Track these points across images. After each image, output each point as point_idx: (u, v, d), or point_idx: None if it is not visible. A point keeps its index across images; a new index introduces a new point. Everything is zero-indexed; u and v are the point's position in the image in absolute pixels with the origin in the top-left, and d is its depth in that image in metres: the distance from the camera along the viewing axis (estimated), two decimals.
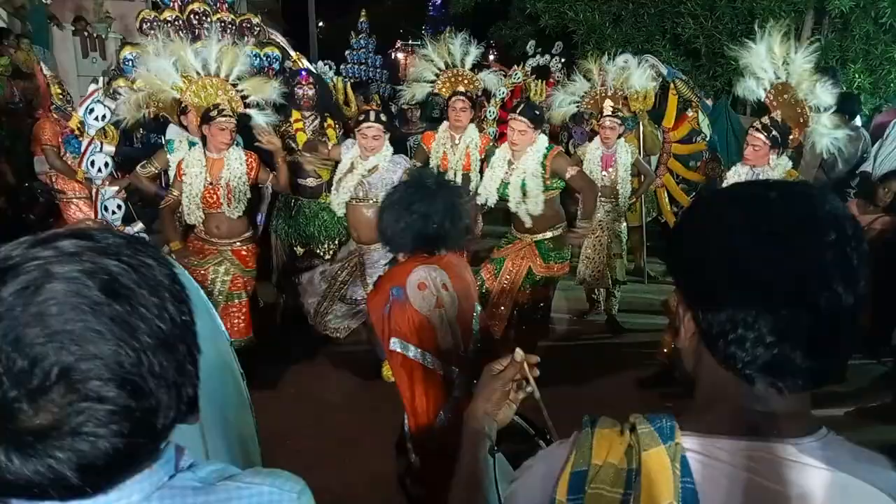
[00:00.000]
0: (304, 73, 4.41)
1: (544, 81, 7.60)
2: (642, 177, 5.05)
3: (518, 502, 0.86)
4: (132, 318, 0.60)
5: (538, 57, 8.53)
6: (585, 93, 5.02)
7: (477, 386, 1.20)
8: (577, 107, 5.11)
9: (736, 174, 3.63)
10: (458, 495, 1.08)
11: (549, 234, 3.74)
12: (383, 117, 3.54)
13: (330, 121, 4.45)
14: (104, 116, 4.69)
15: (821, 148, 3.51)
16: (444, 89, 4.57)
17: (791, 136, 3.49)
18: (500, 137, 9.79)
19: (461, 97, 4.19)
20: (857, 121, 5.14)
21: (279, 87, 3.90)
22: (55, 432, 0.57)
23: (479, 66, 9.15)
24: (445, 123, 4.31)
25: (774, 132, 3.41)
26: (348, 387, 3.74)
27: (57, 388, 0.57)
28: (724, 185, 3.35)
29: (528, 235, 3.73)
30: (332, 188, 3.77)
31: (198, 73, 3.70)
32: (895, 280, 2.98)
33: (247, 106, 3.78)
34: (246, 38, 4.92)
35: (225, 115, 3.54)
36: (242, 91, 3.77)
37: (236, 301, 3.70)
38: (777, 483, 0.70)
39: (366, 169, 3.60)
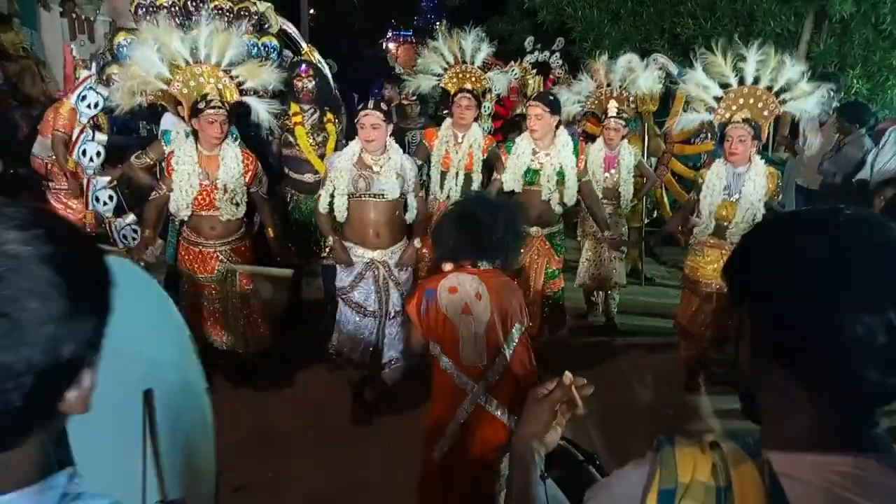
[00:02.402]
0: (304, 65, 4.31)
1: (543, 78, 7.54)
2: (644, 178, 5.02)
3: None
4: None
5: (537, 53, 8.47)
6: (590, 93, 4.98)
7: (523, 410, 1.21)
8: (582, 106, 5.07)
9: (716, 175, 3.64)
10: None
11: (556, 228, 3.91)
12: (384, 106, 3.32)
13: (329, 115, 4.35)
14: (97, 104, 4.55)
15: (807, 111, 3.66)
16: (450, 85, 4.49)
17: (760, 130, 3.64)
18: (496, 133, 9.76)
19: (467, 94, 4.10)
20: (862, 129, 5.13)
21: (277, 72, 3.69)
22: None
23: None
24: (448, 120, 4.22)
25: (753, 123, 3.54)
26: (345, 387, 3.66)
27: None
28: (705, 185, 3.61)
29: (538, 228, 3.81)
30: (337, 192, 3.23)
31: (186, 62, 3.44)
32: None
33: (243, 93, 3.55)
34: (244, 25, 4.79)
35: (214, 107, 3.29)
36: (237, 78, 3.52)
37: (251, 300, 3.57)
38: (870, 499, 0.71)
39: (398, 165, 3.29)
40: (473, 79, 4.49)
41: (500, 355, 2.19)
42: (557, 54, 8.42)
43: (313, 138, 4.22)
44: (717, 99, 3.69)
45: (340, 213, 3.28)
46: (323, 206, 3.32)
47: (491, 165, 4.34)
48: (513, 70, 8.53)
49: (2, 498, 0.60)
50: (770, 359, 0.77)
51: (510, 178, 3.78)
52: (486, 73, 4.68)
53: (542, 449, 1.14)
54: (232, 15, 5.13)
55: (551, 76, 8.21)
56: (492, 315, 2.17)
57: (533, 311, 3.78)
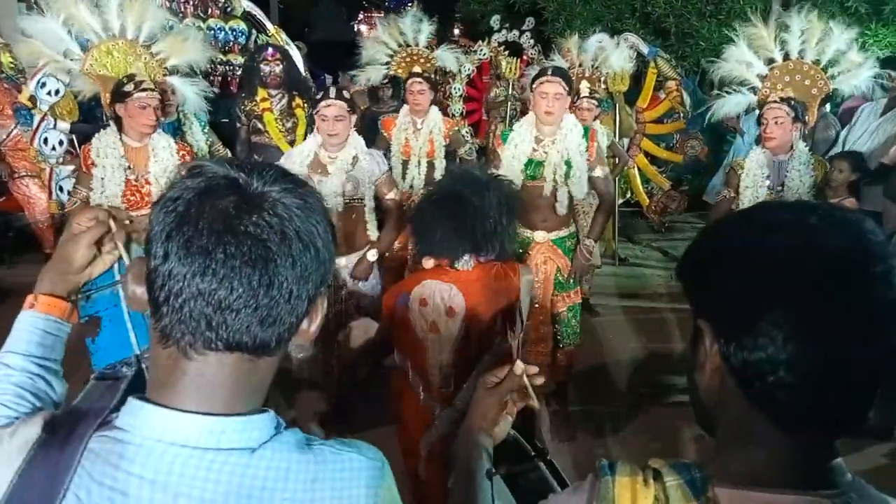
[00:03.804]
0: (270, 48, 4.22)
1: (517, 58, 7.50)
2: (616, 159, 5.03)
3: None
4: None
5: (504, 32, 8.41)
6: None
7: (472, 401, 1.15)
8: None
9: (757, 164, 3.19)
10: None
11: (567, 232, 3.26)
12: (346, 94, 2.94)
13: (298, 100, 4.27)
14: (57, 91, 4.42)
15: (859, 84, 3.30)
16: (399, 71, 4.40)
17: (807, 112, 3.27)
18: (468, 116, 9.65)
19: (418, 79, 3.92)
20: (826, 107, 5.19)
21: (204, 48, 3.33)
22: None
23: (445, 42, 9.02)
24: (406, 108, 4.05)
25: (794, 103, 3.12)
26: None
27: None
28: (745, 175, 3.19)
29: (543, 233, 3.19)
30: None
31: (98, 36, 3.02)
32: None
33: (168, 73, 3.19)
34: (210, 9, 4.68)
35: (145, 89, 2.83)
36: (159, 55, 3.12)
37: None
38: None
39: (347, 163, 2.92)
40: (422, 61, 4.40)
41: (470, 380, 1.90)
42: (528, 34, 8.36)
43: (282, 124, 4.15)
44: (762, 77, 3.33)
45: None
46: None
47: (453, 151, 4.19)
48: (481, 50, 8.47)
49: (258, 416, 0.71)
50: (733, 384, 0.69)
51: (506, 173, 3.12)
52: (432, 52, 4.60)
53: (489, 443, 1.09)
54: None
55: (524, 56, 8.15)
56: (462, 332, 1.89)
57: (542, 333, 3.24)
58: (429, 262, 1.95)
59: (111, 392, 0.79)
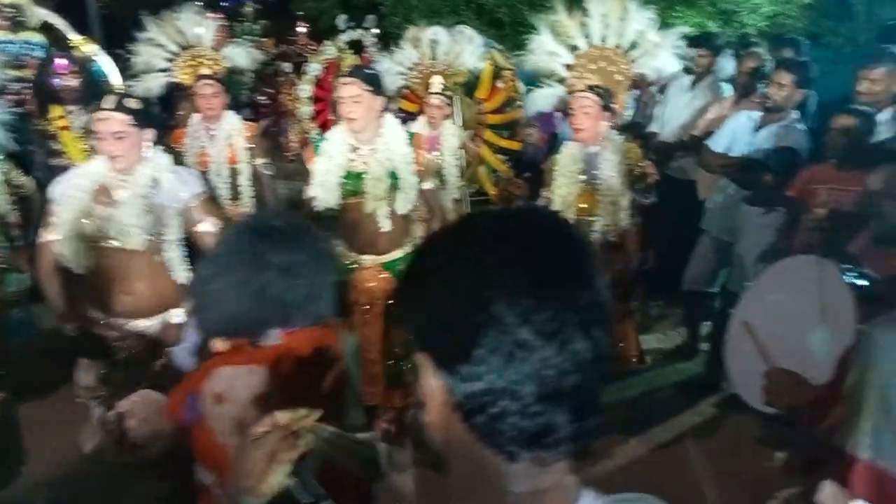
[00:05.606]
0: (63, 60, 3.80)
1: (357, 56, 7.39)
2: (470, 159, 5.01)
3: None
4: None
5: (350, 31, 8.26)
6: (414, 65, 4.78)
7: (234, 460, 1.05)
8: (404, 79, 4.86)
9: (570, 158, 3.09)
10: None
11: (401, 254, 2.95)
12: (132, 104, 2.31)
13: None
14: None
15: (661, 68, 3.34)
16: (184, 76, 4.08)
17: (614, 99, 3.23)
18: (318, 115, 9.39)
19: (208, 80, 3.63)
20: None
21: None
22: None
23: (286, 42, 8.67)
24: (197, 116, 3.72)
25: (601, 91, 3.02)
26: None
27: None
28: (558, 171, 3.07)
29: (373, 257, 2.91)
30: (67, 227, 2.28)
31: None
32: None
33: None
34: None
35: None
36: None
37: None
38: None
39: (145, 187, 2.33)
40: (211, 62, 4.15)
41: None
42: (371, 31, 8.27)
43: (85, 142, 3.75)
44: (569, 66, 3.30)
45: (77, 263, 2.31)
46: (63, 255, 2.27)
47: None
48: (328, 49, 8.28)
49: None
50: (458, 419, 0.64)
51: (320, 189, 2.80)
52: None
53: (254, 502, 1.00)
54: None
55: (365, 54, 8.04)
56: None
57: (373, 372, 2.93)
58: (220, 345, 1.51)
59: None
